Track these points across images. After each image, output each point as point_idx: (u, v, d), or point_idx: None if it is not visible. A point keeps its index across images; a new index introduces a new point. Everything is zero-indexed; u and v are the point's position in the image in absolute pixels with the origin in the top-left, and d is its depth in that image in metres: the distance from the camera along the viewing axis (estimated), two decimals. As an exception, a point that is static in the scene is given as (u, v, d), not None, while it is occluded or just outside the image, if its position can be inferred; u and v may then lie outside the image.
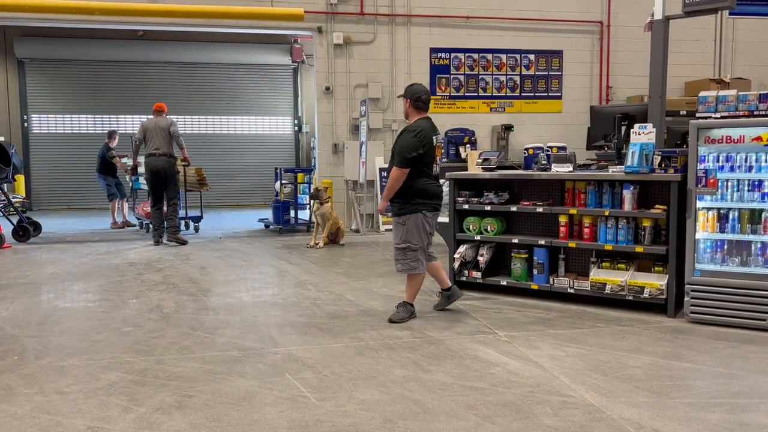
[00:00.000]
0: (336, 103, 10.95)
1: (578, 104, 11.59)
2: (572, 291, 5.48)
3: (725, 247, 4.89)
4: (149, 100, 15.36)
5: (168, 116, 9.32)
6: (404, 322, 5.00)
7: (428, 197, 5.02)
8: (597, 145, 6.40)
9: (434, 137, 5.04)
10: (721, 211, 4.86)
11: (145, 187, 9.69)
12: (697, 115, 5.29)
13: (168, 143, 9.02)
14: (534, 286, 5.69)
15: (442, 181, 8.56)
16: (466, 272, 6.04)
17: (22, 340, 4.58)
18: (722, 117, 5.13)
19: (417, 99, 5.06)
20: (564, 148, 9.55)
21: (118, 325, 4.97)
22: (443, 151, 11.20)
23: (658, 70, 5.82)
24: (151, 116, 9.30)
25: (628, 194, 5.21)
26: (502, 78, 11.55)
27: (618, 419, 3.19)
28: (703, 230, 4.90)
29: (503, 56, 11.52)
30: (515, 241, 5.81)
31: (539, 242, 5.64)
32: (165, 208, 9.14)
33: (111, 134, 11.68)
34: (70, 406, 3.38)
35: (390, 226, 10.61)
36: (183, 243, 9.06)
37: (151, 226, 9.34)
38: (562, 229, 5.59)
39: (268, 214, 11.60)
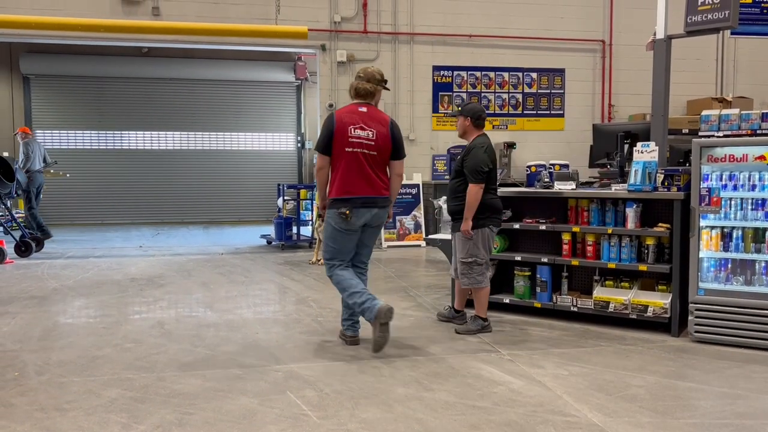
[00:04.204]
0: (339, 120, 10.97)
1: (580, 122, 11.64)
2: (575, 309, 5.46)
3: (729, 265, 4.87)
4: (154, 117, 15.51)
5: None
6: (471, 335, 5.06)
7: (495, 212, 5.10)
8: (600, 163, 6.40)
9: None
10: (725, 230, 4.85)
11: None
12: (700, 133, 5.29)
13: None
14: (537, 304, 5.66)
15: (444, 198, 8.59)
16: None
17: (23, 355, 4.56)
18: (725, 136, 5.13)
19: (477, 117, 5.14)
20: (566, 166, 9.55)
21: (119, 341, 4.95)
22: (445, 168, 11.24)
23: (661, 89, 5.83)
24: (24, 138, 10.49)
25: (631, 212, 5.21)
26: (505, 96, 11.61)
27: (622, 440, 3.15)
28: (707, 249, 4.89)
29: (506, 74, 11.58)
30: (518, 258, 5.79)
31: (542, 260, 5.63)
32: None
33: None
34: (69, 423, 3.36)
35: (393, 243, 10.67)
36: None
37: (38, 226, 10.61)
38: (565, 246, 5.58)
39: (270, 230, 11.58)
